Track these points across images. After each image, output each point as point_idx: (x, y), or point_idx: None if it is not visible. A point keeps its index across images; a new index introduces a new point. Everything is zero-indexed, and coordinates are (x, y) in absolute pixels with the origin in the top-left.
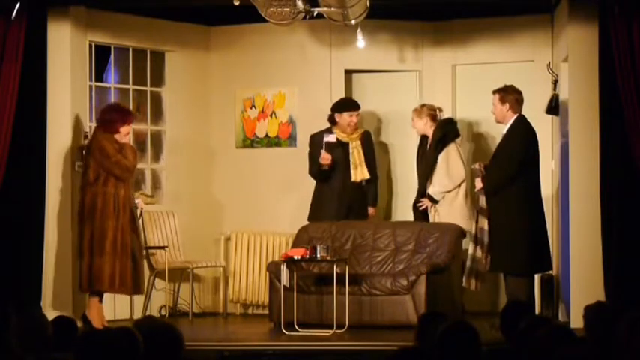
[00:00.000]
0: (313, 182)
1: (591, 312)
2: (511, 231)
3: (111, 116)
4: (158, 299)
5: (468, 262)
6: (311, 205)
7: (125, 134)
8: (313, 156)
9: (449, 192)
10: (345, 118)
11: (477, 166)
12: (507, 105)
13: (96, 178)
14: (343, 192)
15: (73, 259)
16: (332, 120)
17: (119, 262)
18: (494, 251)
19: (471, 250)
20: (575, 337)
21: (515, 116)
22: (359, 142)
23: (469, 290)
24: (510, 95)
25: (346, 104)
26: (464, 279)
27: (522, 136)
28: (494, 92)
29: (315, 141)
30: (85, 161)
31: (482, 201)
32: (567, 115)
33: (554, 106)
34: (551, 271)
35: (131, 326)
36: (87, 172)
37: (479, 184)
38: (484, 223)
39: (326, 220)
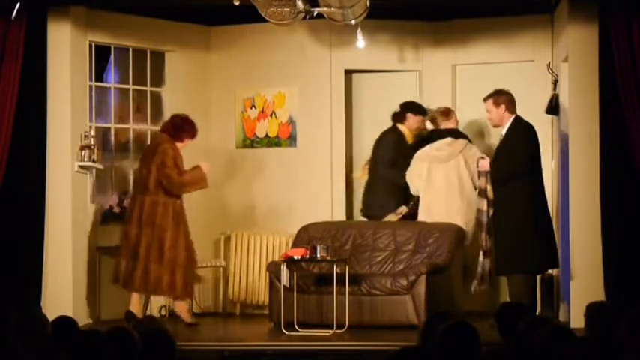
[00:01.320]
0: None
1: (593, 310)
2: (521, 229)
3: (182, 126)
4: (158, 299)
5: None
6: (373, 200)
7: (184, 146)
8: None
9: None
10: (418, 120)
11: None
12: (503, 107)
13: (156, 187)
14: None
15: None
16: (400, 118)
17: (172, 270)
18: (500, 253)
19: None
20: (575, 337)
21: (513, 117)
22: None
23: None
24: (502, 97)
25: (423, 109)
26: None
27: (525, 134)
28: (485, 99)
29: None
30: (145, 166)
31: (482, 182)
32: (567, 115)
33: (554, 106)
34: (551, 271)
35: (128, 327)
36: (148, 178)
37: (484, 165)
38: (483, 204)
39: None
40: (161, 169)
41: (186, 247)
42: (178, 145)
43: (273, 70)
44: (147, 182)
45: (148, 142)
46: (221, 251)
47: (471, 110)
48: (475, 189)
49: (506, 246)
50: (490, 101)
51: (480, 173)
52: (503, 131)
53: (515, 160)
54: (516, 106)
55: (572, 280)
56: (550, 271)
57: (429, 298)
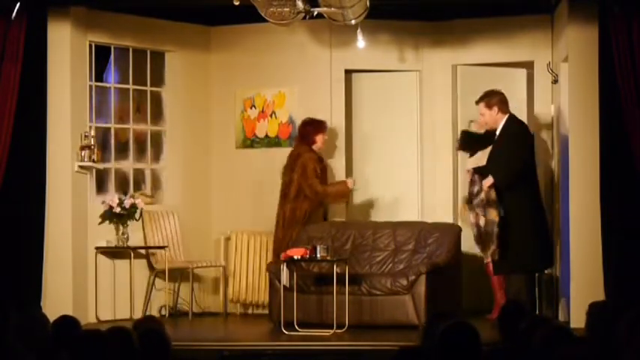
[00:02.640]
0: None
1: (595, 310)
2: (520, 229)
3: (305, 130)
4: (158, 299)
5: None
6: None
7: (321, 143)
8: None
9: None
10: None
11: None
12: (495, 108)
13: (297, 194)
14: None
15: (81, 259)
16: None
17: None
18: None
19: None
20: (573, 337)
21: (506, 116)
22: None
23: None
24: (494, 98)
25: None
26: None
27: (520, 132)
28: (477, 102)
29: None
30: (288, 175)
31: (492, 194)
32: (567, 116)
33: (464, 143)
34: (551, 271)
35: (127, 327)
36: (290, 186)
37: (488, 181)
38: (494, 214)
39: None
40: (304, 179)
41: None
42: (314, 147)
43: (273, 70)
44: (288, 190)
45: (148, 142)
46: (221, 251)
47: (471, 110)
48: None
49: (509, 246)
50: (482, 104)
51: (489, 188)
52: (498, 130)
53: (514, 159)
54: (518, 107)
55: (572, 280)
56: (550, 270)
57: (428, 298)
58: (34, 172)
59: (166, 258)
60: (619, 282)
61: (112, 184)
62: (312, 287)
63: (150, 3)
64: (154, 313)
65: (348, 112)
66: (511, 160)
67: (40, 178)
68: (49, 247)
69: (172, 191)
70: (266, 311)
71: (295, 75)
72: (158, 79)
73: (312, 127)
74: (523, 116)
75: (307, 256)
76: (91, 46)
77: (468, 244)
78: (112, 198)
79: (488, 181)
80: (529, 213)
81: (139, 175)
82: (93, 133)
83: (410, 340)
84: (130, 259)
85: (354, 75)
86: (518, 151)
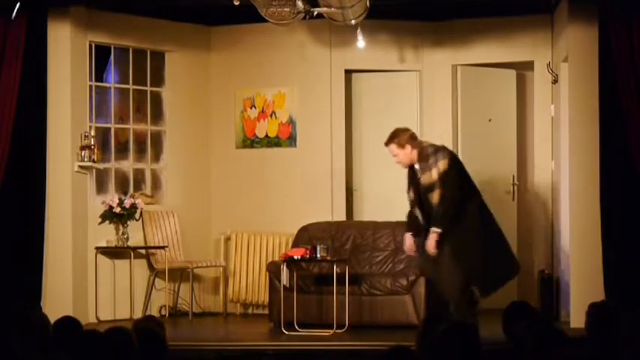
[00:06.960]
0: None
1: (595, 310)
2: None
3: None
4: (158, 299)
5: None
6: None
7: None
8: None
9: None
10: None
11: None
12: (408, 146)
13: None
14: None
15: (81, 259)
16: None
17: None
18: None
19: None
20: (568, 338)
21: (417, 149)
22: None
23: None
24: (404, 136)
25: None
26: None
27: (438, 159)
28: (387, 144)
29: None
30: None
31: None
32: (567, 115)
33: None
34: (551, 271)
35: (126, 327)
36: None
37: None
38: None
39: None
40: None
41: None
42: None
43: (273, 70)
44: None
45: (148, 142)
46: (221, 251)
47: (471, 110)
48: None
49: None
50: (394, 145)
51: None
52: (417, 166)
53: (447, 194)
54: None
55: (572, 280)
56: (550, 271)
57: (428, 298)
58: (34, 172)
59: (166, 258)
60: (619, 282)
61: (112, 184)
62: (312, 287)
63: (150, 3)
64: (154, 313)
65: (348, 112)
66: (444, 197)
67: (40, 178)
68: (49, 247)
69: (172, 191)
70: (266, 311)
71: (295, 75)
72: (158, 79)
73: None
74: (513, 115)
75: (307, 256)
76: (91, 46)
77: None
78: (112, 198)
79: (433, 238)
80: (478, 234)
81: (138, 175)
82: (93, 133)
83: (410, 340)
84: (130, 259)
85: (354, 75)
86: (452, 182)
